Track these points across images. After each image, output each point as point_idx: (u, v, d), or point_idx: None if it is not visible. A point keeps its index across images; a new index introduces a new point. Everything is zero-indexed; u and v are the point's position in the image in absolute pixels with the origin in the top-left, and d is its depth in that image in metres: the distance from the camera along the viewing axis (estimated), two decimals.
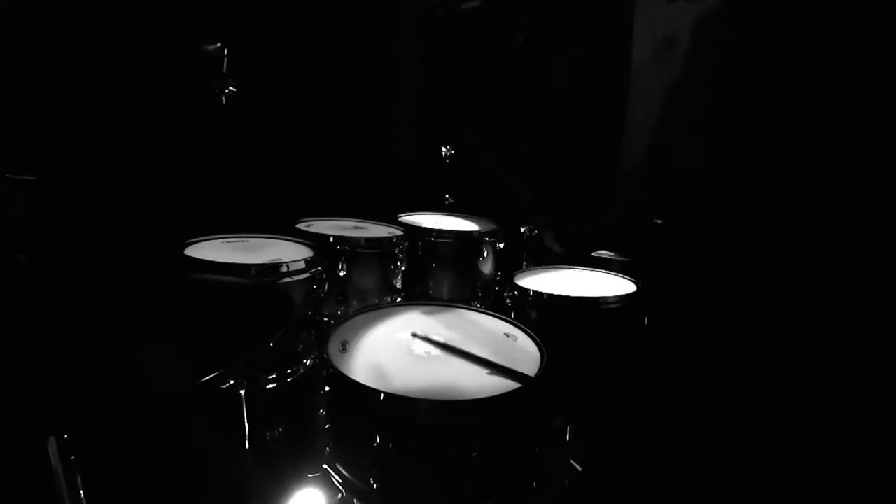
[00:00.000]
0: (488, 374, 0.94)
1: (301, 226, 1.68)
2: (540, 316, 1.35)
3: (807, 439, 1.34)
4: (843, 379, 1.33)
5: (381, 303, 1.61)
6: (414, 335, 1.06)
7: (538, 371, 0.93)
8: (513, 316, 1.24)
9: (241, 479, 1.23)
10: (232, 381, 1.21)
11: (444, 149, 2.26)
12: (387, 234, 1.68)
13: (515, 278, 1.48)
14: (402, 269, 1.69)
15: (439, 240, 1.76)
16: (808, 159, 1.43)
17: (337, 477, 0.89)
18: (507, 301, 1.44)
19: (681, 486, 1.31)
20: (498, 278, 1.89)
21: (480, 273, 1.81)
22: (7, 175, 1.31)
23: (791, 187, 1.47)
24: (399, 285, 1.70)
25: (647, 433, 1.45)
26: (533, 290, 1.35)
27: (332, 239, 1.52)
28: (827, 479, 1.27)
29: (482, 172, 2.29)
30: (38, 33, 1.41)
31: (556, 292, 1.34)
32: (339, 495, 0.89)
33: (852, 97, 1.36)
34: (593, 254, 1.94)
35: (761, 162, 1.53)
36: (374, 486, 0.84)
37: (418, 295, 1.79)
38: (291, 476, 1.17)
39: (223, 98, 1.75)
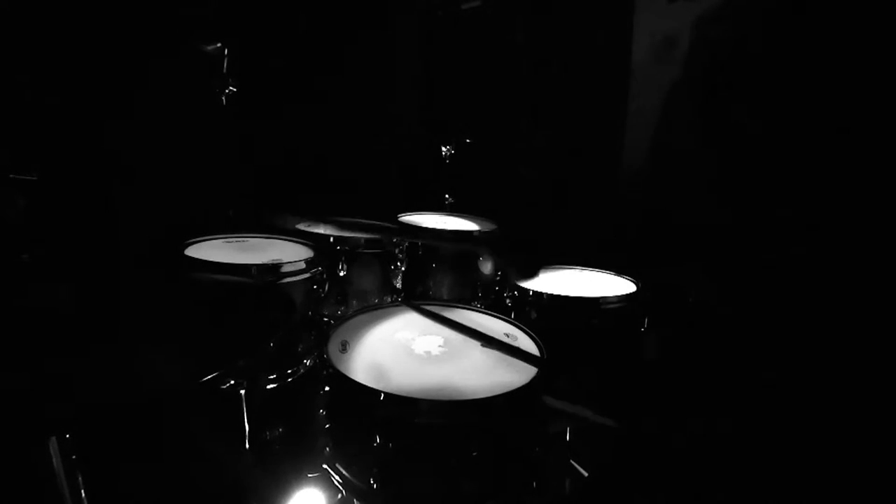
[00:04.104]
0: (482, 345, 0.94)
1: (301, 226, 1.68)
2: (540, 316, 1.35)
3: (816, 438, 1.34)
4: (846, 379, 1.33)
5: (381, 303, 1.61)
6: (407, 303, 1.06)
7: (539, 370, 0.94)
8: (513, 316, 1.24)
9: (241, 479, 1.23)
10: (232, 382, 1.21)
11: (444, 149, 2.26)
12: None
13: None
14: (402, 269, 1.69)
15: None
16: (808, 159, 1.43)
17: (337, 477, 0.89)
18: (507, 301, 1.44)
19: (683, 486, 1.31)
20: (498, 278, 1.89)
21: (480, 273, 1.81)
22: (10, 175, 1.31)
23: (791, 187, 1.47)
24: (399, 285, 1.70)
25: (649, 433, 1.45)
26: (533, 290, 1.35)
27: (332, 239, 1.52)
28: (836, 480, 1.27)
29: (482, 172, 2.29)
30: (38, 34, 1.41)
31: (556, 292, 1.34)
32: (339, 495, 0.89)
33: (851, 95, 1.36)
34: None
35: (761, 161, 1.53)
36: (374, 486, 0.84)
37: (418, 295, 1.79)
38: (291, 476, 1.17)
39: (223, 98, 1.75)
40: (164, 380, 0.60)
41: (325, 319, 1.51)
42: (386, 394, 0.80)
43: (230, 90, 1.75)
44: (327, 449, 0.94)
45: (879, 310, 1.32)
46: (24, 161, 1.35)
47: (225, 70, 1.73)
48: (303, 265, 1.30)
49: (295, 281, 1.28)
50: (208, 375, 0.59)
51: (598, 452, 1.37)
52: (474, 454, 0.84)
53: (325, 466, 0.91)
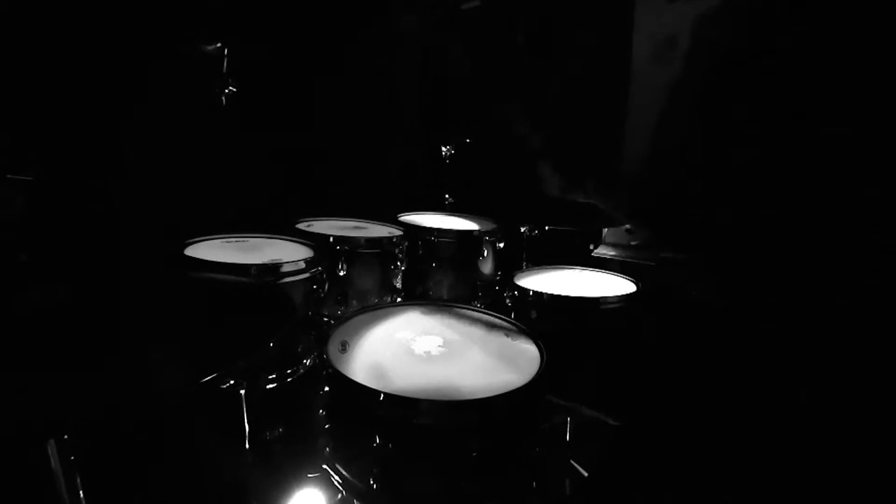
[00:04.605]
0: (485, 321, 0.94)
1: (301, 226, 1.68)
2: (540, 316, 1.35)
3: (816, 438, 1.34)
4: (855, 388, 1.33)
5: (381, 303, 1.61)
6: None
7: (539, 370, 0.93)
8: (513, 316, 1.24)
9: (241, 479, 1.22)
10: (232, 382, 1.21)
11: (443, 149, 2.26)
12: (387, 234, 1.68)
13: (515, 278, 1.48)
14: (402, 269, 1.69)
15: (439, 240, 1.76)
16: (809, 160, 1.43)
17: (337, 477, 0.89)
18: (507, 301, 1.44)
19: (684, 486, 1.31)
20: (498, 278, 1.89)
21: (480, 273, 1.81)
22: (7, 176, 1.31)
23: (791, 188, 1.47)
24: (399, 285, 1.70)
25: (649, 433, 1.45)
26: (533, 290, 1.35)
27: (332, 239, 1.52)
28: (837, 479, 1.27)
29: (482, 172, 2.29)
30: (38, 33, 1.41)
31: (556, 292, 1.34)
32: (339, 495, 0.89)
33: (851, 94, 1.35)
34: (594, 253, 1.94)
35: (761, 162, 1.53)
36: (374, 486, 0.84)
37: (418, 295, 1.79)
38: (291, 476, 1.17)
39: (223, 98, 1.75)
40: (163, 380, 0.60)
41: (325, 319, 1.51)
42: (386, 394, 0.80)
43: (230, 90, 1.75)
44: (327, 449, 0.94)
45: (879, 308, 1.32)
46: (22, 161, 1.35)
47: (225, 70, 1.73)
48: (303, 265, 1.30)
49: (295, 281, 1.28)
50: (208, 377, 0.59)
51: (598, 452, 1.37)
52: (474, 454, 0.84)
53: (325, 466, 0.91)
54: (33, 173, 1.35)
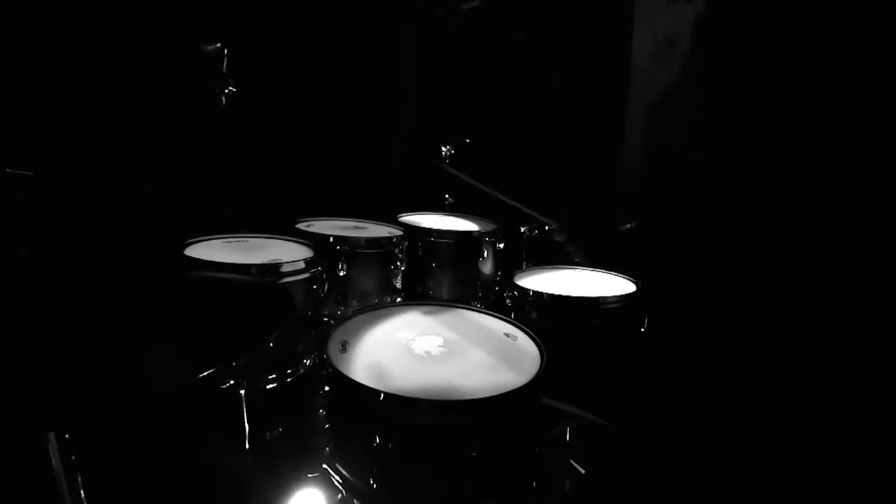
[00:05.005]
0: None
1: (301, 226, 1.68)
2: (540, 316, 1.35)
3: (817, 438, 1.34)
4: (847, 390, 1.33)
5: (381, 303, 1.61)
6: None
7: (539, 370, 0.93)
8: (513, 316, 1.24)
9: (241, 479, 1.23)
10: (232, 382, 1.21)
11: (443, 149, 2.26)
12: (387, 234, 1.68)
13: (515, 278, 1.48)
14: (402, 269, 1.69)
15: (439, 240, 1.76)
16: (809, 160, 1.43)
17: (337, 477, 0.89)
18: (507, 301, 1.44)
19: (684, 486, 1.31)
20: (498, 278, 1.89)
21: (480, 273, 1.81)
22: (7, 170, 1.31)
23: (791, 188, 1.47)
24: (399, 285, 1.70)
25: (649, 433, 1.45)
26: (533, 290, 1.35)
27: (332, 239, 1.52)
28: (833, 475, 1.27)
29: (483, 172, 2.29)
30: (38, 32, 1.41)
31: (556, 292, 1.34)
32: (339, 495, 0.89)
33: (851, 94, 1.35)
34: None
35: (761, 162, 1.53)
36: (374, 486, 0.84)
37: (418, 295, 1.79)
38: (291, 476, 1.17)
39: (223, 98, 1.75)
40: (163, 379, 0.60)
41: (325, 319, 1.51)
42: (386, 394, 0.80)
43: (230, 90, 1.75)
44: (327, 449, 0.94)
45: (879, 308, 1.32)
46: (22, 156, 1.35)
47: (225, 70, 1.73)
48: (302, 265, 1.30)
49: (295, 281, 1.28)
50: (205, 372, 0.59)
51: (597, 452, 1.37)
52: (474, 454, 0.84)
53: (325, 466, 0.91)
54: (34, 168, 1.35)
